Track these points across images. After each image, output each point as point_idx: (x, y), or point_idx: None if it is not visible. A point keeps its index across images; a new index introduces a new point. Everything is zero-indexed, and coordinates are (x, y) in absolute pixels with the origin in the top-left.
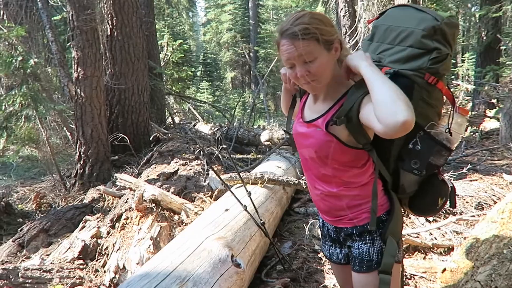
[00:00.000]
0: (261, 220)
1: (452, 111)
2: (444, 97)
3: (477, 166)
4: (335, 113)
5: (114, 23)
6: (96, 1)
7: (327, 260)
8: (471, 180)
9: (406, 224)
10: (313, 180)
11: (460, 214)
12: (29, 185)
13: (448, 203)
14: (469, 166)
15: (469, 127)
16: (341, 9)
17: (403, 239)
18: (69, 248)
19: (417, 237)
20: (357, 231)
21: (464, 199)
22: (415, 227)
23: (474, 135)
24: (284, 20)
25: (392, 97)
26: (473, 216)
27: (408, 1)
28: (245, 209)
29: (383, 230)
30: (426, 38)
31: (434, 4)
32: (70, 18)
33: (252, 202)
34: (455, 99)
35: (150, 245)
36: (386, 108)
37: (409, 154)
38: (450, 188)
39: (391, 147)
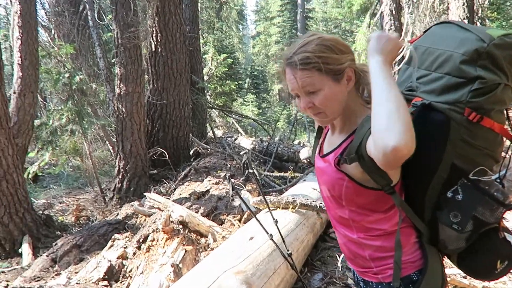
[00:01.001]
0: (288, 250)
1: (509, 156)
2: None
3: None
4: (346, 147)
5: (159, 40)
6: (140, 19)
7: None
8: None
9: None
10: (333, 222)
11: None
12: (74, 196)
13: None
14: None
15: None
16: (386, 22)
17: (447, 278)
18: (96, 267)
19: (465, 277)
20: None
21: None
22: None
23: None
24: (292, 44)
25: (390, 110)
26: None
27: (464, 11)
28: (271, 238)
29: None
30: (467, 64)
31: (495, 12)
32: (115, 36)
33: (279, 231)
34: None
35: (171, 272)
36: (380, 122)
37: (448, 205)
38: None
39: (425, 192)
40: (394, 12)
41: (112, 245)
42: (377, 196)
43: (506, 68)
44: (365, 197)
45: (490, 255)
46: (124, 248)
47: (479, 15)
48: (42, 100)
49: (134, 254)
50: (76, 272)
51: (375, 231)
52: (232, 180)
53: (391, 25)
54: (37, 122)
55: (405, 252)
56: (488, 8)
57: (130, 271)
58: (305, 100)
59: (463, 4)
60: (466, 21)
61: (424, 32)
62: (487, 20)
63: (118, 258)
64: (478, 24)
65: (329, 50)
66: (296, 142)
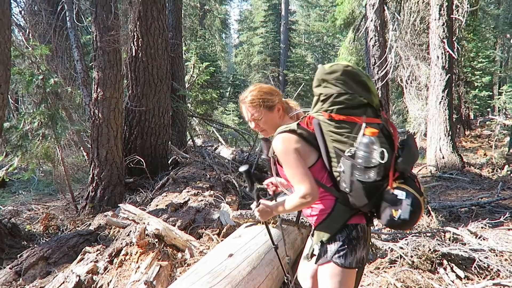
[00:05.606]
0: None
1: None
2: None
3: None
4: None
5: (140, 45)
6: (121, 23)
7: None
8: (508, 229)
9: (432, 280)
10: None
11: (498, 275)
12: (44, 203)
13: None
14: (507, 214)
15: (506, 166)
16: (371, 38)
17: None
18: (63, 282)
19: None
20: None
21: (502, 255)
22: (445, 285)
23: (511, 175)
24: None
25: (293, 207)
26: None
27: (444, 31)
28: (276, 250)
29: None
30: (315, 88)
31: (471, 34)
32: (94, 39)
33: (277, 252)
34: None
35: None
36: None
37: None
38: (403, 201)
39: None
40: (378, 28)
41: (82, 258)
42: None
43: (336, 84)
44: None
45: (385, 206)
46: (95, 262)
47: (457, 35)
48: (13, 102)
49: (105, 269)
50: (41, 287)
51: None
52: (212, 192)
53: (375, 41)
54: (6, 125)
55: None
56: (465, 29)
57: (101, 287)
58: (253, 124)
59: (443, 24)
60: (445, 40)
61: None
62: (464, 41)
63: (88, 273)
64: (456, 44)
65: (265, 94)
66: None
